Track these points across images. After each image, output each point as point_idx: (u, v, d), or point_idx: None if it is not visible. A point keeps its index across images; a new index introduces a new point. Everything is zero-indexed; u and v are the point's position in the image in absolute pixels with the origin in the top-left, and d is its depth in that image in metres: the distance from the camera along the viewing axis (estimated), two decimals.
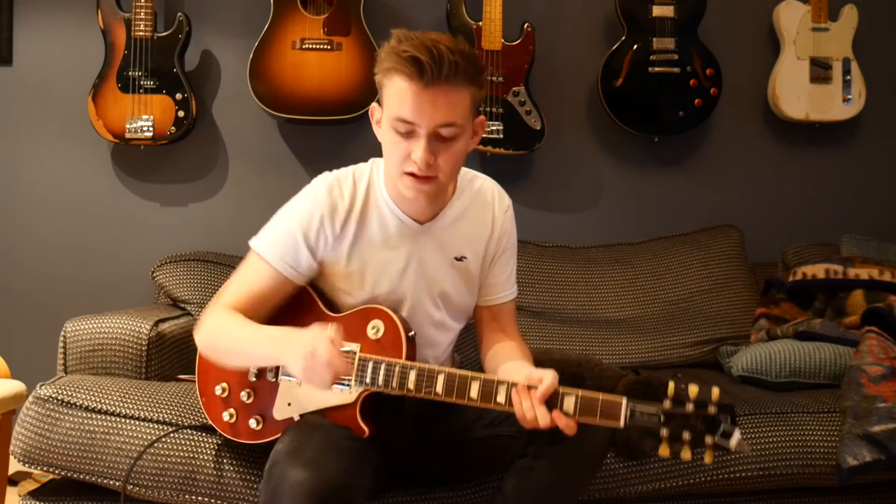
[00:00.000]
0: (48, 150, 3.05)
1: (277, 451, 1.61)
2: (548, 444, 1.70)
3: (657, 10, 3.01)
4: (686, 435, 1.52)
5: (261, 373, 1.81)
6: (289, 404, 1.76)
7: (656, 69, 3.02)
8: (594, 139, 3.22)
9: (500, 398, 1.60)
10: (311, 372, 1.60)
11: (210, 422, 1.85)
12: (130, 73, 2.88)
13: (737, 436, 1.52)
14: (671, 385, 1.55)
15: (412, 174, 1.67)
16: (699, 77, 3.04)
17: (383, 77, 1.66)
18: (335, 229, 1.77)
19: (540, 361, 1.84)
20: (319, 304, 1.82)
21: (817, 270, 2.77)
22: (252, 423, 1.79)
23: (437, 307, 1.85)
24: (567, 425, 1.56)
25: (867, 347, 2.30)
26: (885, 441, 2.07)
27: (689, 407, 1.53)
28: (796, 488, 2.15)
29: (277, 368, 1.79)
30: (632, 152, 3.22)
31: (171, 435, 1.92)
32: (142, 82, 2.88)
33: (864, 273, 2.71)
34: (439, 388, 1.64)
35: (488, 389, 1.61)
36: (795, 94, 3.11)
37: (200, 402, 1.85)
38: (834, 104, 3.11)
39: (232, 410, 1.81)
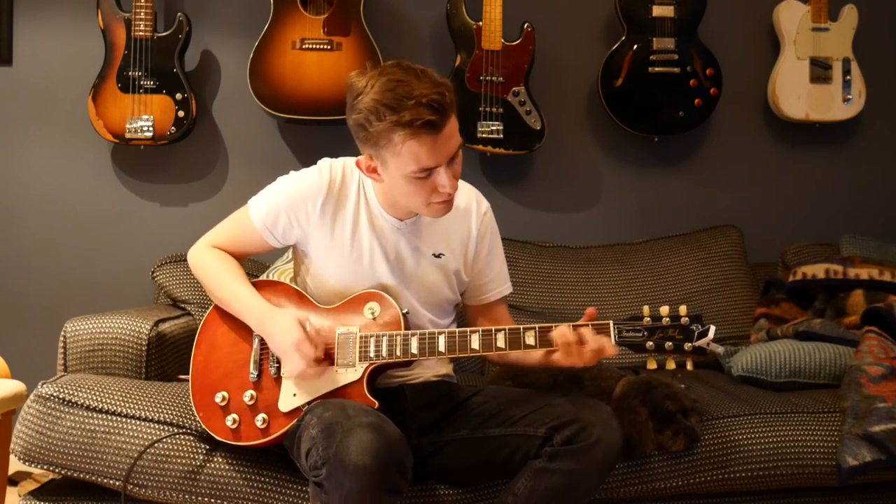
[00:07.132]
0: (48, 149, 3.05)
1: (326, 418, 1.65)
2: (563, 444, 1.73)
3: (657, 10, 3.01)
4: (668, 345, 1.73)
5: (261, 373, 1.85)
6: (294, 395, 1.81)
7: (656, 69, 3.02)
8: (594, 139, 3.22)
9: (500, 343, 1.76)
10: (291, 361, 1.78)
11: (213, 434, 1.85)
12: (130, 73, 2.88)
13: (711, 331, 1.72)
14: (646, 308, 1.77)
15: (440, 201, 1.77)
16: (699, 77, 3.04)
17: (382, 138, 1.70)
18: (316, 211, 1.87)
19: None
20: (312, 300, 1.90)
21: (817, 270, 2.77)
22: (258, 421, 1.81)
23: (417, 300, 1.92)
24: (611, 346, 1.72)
25: (867, 347, 2.30)
26: (885, 441, 2.07)
27: (666, 321, 1.74)
28: (796, 488, 2.15)
29: (279, 366, 1.84)
30: (632, 152, 3.22)
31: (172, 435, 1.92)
32: (142, 82, 2.88)
33: (864, 273, 2.71)
34: (442, 346, 1.78)
35: (487, 340, 1.77)
36: (795, 94, 3.11)
37: (198, 418, 1.86)
38: (834, 104, 3.11)
39: (234, 416, 1.83)
